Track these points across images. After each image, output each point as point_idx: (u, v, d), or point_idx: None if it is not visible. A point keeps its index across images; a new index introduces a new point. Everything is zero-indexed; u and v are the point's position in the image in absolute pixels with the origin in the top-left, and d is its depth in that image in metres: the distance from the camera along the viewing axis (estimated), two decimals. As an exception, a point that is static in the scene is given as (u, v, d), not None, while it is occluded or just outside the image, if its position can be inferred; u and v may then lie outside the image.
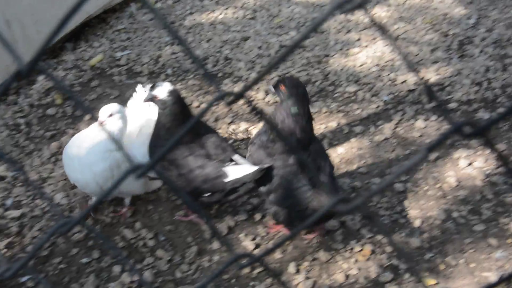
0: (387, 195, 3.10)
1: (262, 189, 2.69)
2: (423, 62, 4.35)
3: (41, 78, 4.28)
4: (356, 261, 2.75)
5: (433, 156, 3.37)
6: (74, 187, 3.22)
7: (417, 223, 2.94)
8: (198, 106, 3.95)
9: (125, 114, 2.85)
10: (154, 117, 2.79)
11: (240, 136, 3.65)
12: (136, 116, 3.02)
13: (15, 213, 3.05)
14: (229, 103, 0.67)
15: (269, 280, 2.65)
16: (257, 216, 3.01)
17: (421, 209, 3.04)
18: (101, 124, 2.56)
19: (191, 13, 5.38)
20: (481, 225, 2.91)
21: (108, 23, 5.20)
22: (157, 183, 3.10)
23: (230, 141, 3.59)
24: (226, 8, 5.42)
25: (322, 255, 2.77)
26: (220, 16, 5.30)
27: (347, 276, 2.68)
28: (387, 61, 4.41)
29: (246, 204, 3.09)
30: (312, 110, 3.82)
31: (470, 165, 3.31)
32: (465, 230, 2.90)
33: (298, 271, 2.70)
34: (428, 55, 4.43)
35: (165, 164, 2.73)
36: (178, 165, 2.72)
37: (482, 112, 3.73)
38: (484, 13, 4.97)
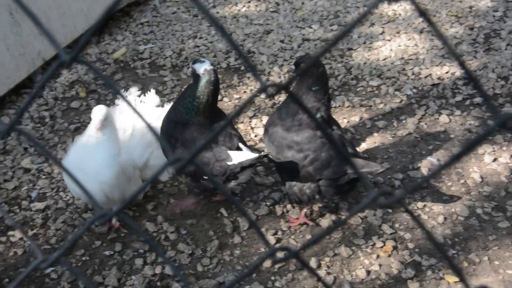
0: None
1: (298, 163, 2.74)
2: (448, 55, 4.29)
3: (65, 71, 4.33)
4: (378, 257, 2.74)
5: (457, 151, 3.32)
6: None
7: (440, 219, 2.91)
8: (221, 100, 3.96)
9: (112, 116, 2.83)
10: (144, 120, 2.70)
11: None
12: (125, 119, 2.94)
13: (40, 205, 3.09)
14: (272, 95, 0.67)
15: (290, 275, 2.65)
16: (278, 211, 3.01)
17: (444, 205, 3.01)
18: (98, 128, 2.59)
19: (214, 6, 5.38)
20: (505, 222, 2.87)
21: (132, 16, 5.22)
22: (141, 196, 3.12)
23: (252, 135, 3.59)
24: (249, 1, 5.41)
25: (343, 250, 2.76)
26: (243, 9, 5.29)
27: (369, 272, 2.66)
28: (411, 55, 4.36)
29: (267, 199, 3.09)
30: (334, 104, 3.81)
31: (495, 161, 3.26)
32: (489, 227, 2.86)
33: (319, 266, 2.70)
34: (453, 48, 4.36)
35: (172, 141, 2.78)
36: (185, 145, 2.76)
37: (508, 107, 3.67)
38: (511, 5, 4.88)
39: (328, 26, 4.87)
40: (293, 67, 2.83)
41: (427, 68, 4.16)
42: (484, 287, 0.78)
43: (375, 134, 3.56)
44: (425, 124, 3.62)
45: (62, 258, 0.83)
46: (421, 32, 4.65)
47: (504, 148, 3.33)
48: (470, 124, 3.58)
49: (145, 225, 2.95)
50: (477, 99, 3.78)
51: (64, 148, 3.53)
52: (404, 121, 3.66)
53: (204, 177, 2.79)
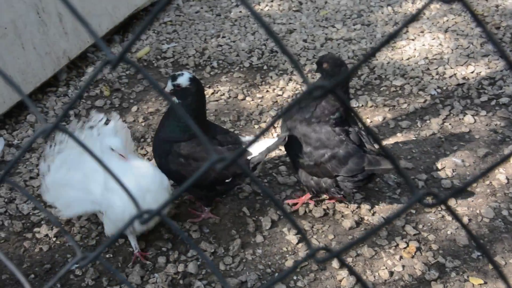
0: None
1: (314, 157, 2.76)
2: (473, 55, 4.24)
3: (90, 70, 4.37)
4: (401, 258, 2.72)
5: (482, 152, 3.29)
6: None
7: (464, 220, 2.88)
8: (244, 99, 3.97)
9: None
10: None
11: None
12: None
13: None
14: (318, 97, 0.67)
15: (312, 275, 2.64)
16: (301, 210, 3.01)
17: (469, 206, 2.98)
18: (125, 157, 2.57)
19: (237, 5, 5.39)
20: (532, 225, 2.83)
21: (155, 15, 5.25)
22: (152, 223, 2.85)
23: (275, 134, 3.59)
24: (272, 1, 5.41)
25: (366, 251, 2.74)
26: (266, 8, 5.29)
27: (392, 273, 2.64)
28: (435, 54, 4.31)
29: (289, 198, 3.09)
30: (357, 103, 3.79)
31: (521, 162, 3.22)
32: (515, 229, 2.82)
33: (341, 267, 2.69)
34: (478, 48, 4.31)
35: (181, 160, 2.73)
36: (196, 158, 2.72)
37: (535, 108, 3.61)
38: (538, 4, 4.80)
39: (352, 26, 4.85)
40: (315, 66, 2.83)
41: (451, 68, 4.12)
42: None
43: (399, 134, 3.53)
44: (450, 124, 3.59)
45: (102, 256, 0.84)
46: (445, 31, 4.60)
47: (531, 149, 3.28)
48: (495, 125, 3.54)
49: (167, 223, 2.96)
50: (503, 99, 3.72)
51: (89, 146, 3.56)
52: (428, 121, 3.62)
53: (226, 180, 2.77)
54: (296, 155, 2.83)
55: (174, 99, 2.70)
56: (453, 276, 2.60)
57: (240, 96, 3.99)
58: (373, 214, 2.97)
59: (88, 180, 2.65)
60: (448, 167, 3.24)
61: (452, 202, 2.99)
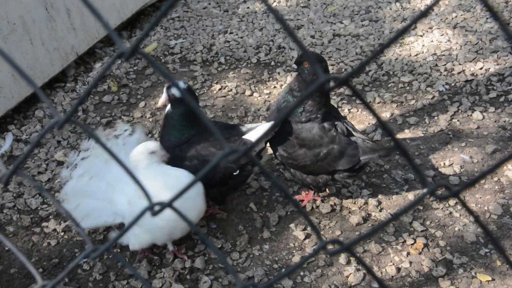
0: (440, 189, 3.02)
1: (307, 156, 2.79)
2: (482, 51, 4.21)
3: (98, 65, 4.39)
4: (408, 254, 2.71)
5: (490, 148, 3.28)
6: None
7: (472, 217, 2.87)
8: (251, 95, 3.96)
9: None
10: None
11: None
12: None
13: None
14: (332, 89, 0.66)
15: (319, 271, 2.64)
16: (308, 206, 3.00)
17: (477, 203, 2.96)
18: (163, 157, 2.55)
19: (244, 1, 5.38)
20: (540, 222, 2.81)
21: (159, 20, 5.25)
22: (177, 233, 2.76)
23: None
24: (280, -4, 5.40)
25: (373, 247, 2.74)
26: (274, 4, 5.28)
27: (399, 269, 2.64)
28: (443, 51, 4.29)
29: (296, 195, 3.09)
30: (365, 99, 3.78)
31: (530, 159, 3.20)
32: (523, 226, 2.81)
33: (348, 263, 2.69)
34: (487, 44, 4.29)
35: (187, 163, 2.74)
36: (198, 157, 2.73)
37: (544, 104, 3.59)
38: (548, 0, 4.77)
39: (359, 22, 4.83)
40: (294, 66, 2.79)
41: (460, 64, 4.10)
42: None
43: (406, 131, 3.52)
44: (458, 121, 3.57)
45: (112, 249, 0.84)
46: (454, 27, 4.58)
47: (540, 146, 3.26)
48: (504, 121, 3.52)
49: (175, 218, 2.97)
50: (512, 96, 3.71)
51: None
52: (436, 118, 3.61)
53: (234, 173, 2.78)
54: (288, 158, 2.83)
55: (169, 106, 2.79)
56: (461, 272, 2.60)
57: (248, 92, 3.99)
58: (380, 210, 2.96)
59: (112, 190, 2.59)
60: (456, 163, 3.22)
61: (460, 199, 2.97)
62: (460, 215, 2.90)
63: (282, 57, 4.39)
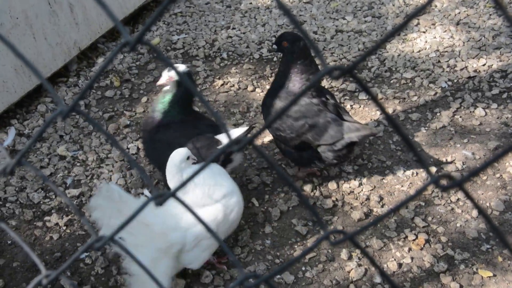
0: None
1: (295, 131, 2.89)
2: (485, 48, 4.21)
3: (100, 60, 4.39)
4: (410, 250, 2.72)
5: (492, 145, 3.28)
6: (130, 168, 3.30)
7: (474, 213, 2.87)
8: (253, 90, 3.96)
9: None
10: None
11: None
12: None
13: (75, 191, 3.15)
14: (336, 78, 0.66)
15: (320, 266, 2.65)
16: (310, 202, 3.01)
17: (479, 199, 2.97)
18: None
19: (247, -3, 5.38)
20: (542, 218, 2.81)
21: (165, 9, 5.25)
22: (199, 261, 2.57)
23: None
24: (282, -8, 5.38)
25: (375, 242, 2.74)
26: None
27: (400, 265, 2.64)
28: (446, 47, 4.29)
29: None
30: (367, 96, 3.78)
31: (532, 156, 3.20)
32: (525, 223, 2.81)
33: (350, 258, 2.69)
34: (490, 40, 4.28)
35: (159, 145, 2.85)
36: (170, 144, 2.73)
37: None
38: (551, -3, 4.75)
39: (362, 18, 4.83)
40: (274, 46, 2.95)
41: (463, 61, 4.09)
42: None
43: (409, 127, 3.52)
44: (460, 117, 3.57)
45: (115, 238, 0.84)
46: (457, 24, 4.57)
47: (542, 143, 3.26)
48: (506, 118, 3.52)
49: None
50: (515, 93, 3.70)
51: (98, 136, 3.57)
52: (438, 114, 3.61)
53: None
54: (277, 129, 2.93)
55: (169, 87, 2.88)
56: (462, 268, 2.60)
57: (250, 88, 3.99)
58: (382, 206, 2.96)
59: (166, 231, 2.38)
60: (458, 160, 3.22)
61: (462, 195, 2.98)
62: (462, 211, 2.90)
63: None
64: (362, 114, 3.66)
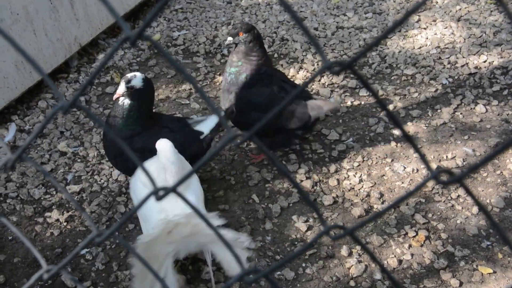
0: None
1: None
2: (486, 44, 4.20)
3: (101, 56, 4.38)
4: (410, 246, 2.72)
5: (493, 141, 3.27)
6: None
7: (474, 210, 2.87)
8: (253, 87, 3.96)
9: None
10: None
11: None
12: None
13: (75, 188, 3.16)
14: (336, 73, 0.67)
15: (321, 262, 2.65)
16: (311, 198, 3.01)
17: (479, 196, 2.97)
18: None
19: (247, -7, 5.37)
20: (542, 215, 2.81)
21: (166, 2, 5.24)
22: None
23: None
24: (283, -12, 5.37)
25: (375, 239, 2.75)
26: (277, -4, 5.26)
27: (400, 261, 2.65)
28: (447, 43, 4.28)
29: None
30: (368, 92, 3.78)
31: (532, 152, 3.20)
32: (525, 219, 2.81)
33: (350, 254, 2.69)
34: (491, 37, 4.27)
35: (138, 155, 2.77)
36: (151, 150, 2.63)
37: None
38: (553, -7, 4.74)
39: (363, 14, 4.82)
40: (230, 38, 3.05)
41: (463, 57, 4.09)
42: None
43: (409, 124, 3.52)
44: (461, 114, 3.57)
45: (116, 233, 0.85)
46: (458, 20, 4.56)
47: (543, 140, 3.26)
48: (507, 115, 3.51)
49: (177, 209, 2.98)
50: (515, 89, 3.70)
51: (99, 132, 3.57)
52: (439, 111, 3.61)
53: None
54: (246, 123, 3.06)
55: (125, 98, 2.79)
56: (462, 265, 2.60)
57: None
58: (382, 203, 2.97)
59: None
60: (458, 156, 3.22)
61: (462, 191, 2.98)
62: (462, 208, 2.90)
63: (285, 49, 4.39)
64: (363, 111, 3.66)
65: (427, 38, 4.37)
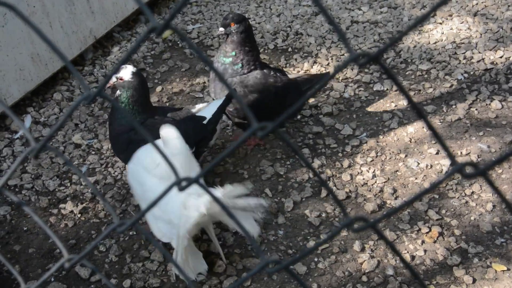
0: (456, 178, 3.00)
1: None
2: (503, 39, 4.16)
3: (116, 49, 4.40)
4: (423, 242, 2.71)
5: (509, 138, 3.25)
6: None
7: (488, 207, 2.86)
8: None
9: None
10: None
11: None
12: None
13: (89, 180, 3.18)
14: (362, 65, 0.66)
15: (333, 257, 2.65)
16: (323, 193, 3.01)
17: (494, 192, 2.95)
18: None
19: (262, -13, 5.35)
20: (557, 212, 2.79)
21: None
22: None
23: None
24: (298, -18, 5.36)
25: (388, 234, 2.74)
26: (291, -10, 5.24)
27: (413, 257, 2.64)
28: (463, 38, 4.25)
29: (311, 181, 3.09)
30: (382, 87, 3.76)
31: (548, 150, 3.17)
32: (540, 217, 2.79)
33: (363, 250, 2.69)
34: (508, 32, 4.23)
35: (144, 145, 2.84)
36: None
37: None
38: None
39: (378, 8, 4.79)
40: (222, 29, 3.06)
41: (479, 53, 4.06)
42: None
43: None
44: (476, 110, 3.54)
45: (138, 224, 0.86)
46: (474, 15, 4.52)
47: (559, 137, 3.23)
48: (523, 111, 3.49)
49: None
50: (532, 86, 3.66)
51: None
52: (454, 106, 3.58)
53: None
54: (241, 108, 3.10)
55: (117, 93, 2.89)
56: (476, 262, 2.59)
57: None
58: (395, 198, 2.96)
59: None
60: (473, 152, 3.20)
61: (476, 188, 2.96)
62: (476, 204, 2.88)
63: (300, 43, 4.38)
64: (377, 106, 3.65)
65: (443, 33, 4.34)
